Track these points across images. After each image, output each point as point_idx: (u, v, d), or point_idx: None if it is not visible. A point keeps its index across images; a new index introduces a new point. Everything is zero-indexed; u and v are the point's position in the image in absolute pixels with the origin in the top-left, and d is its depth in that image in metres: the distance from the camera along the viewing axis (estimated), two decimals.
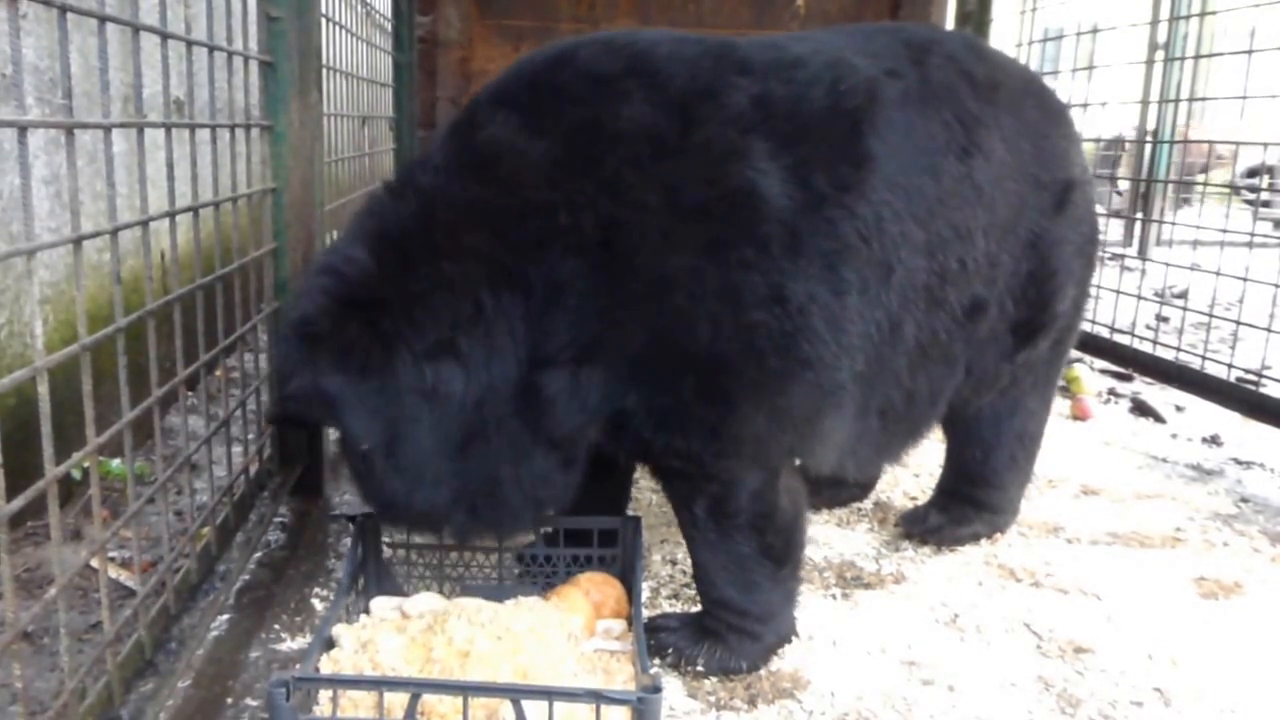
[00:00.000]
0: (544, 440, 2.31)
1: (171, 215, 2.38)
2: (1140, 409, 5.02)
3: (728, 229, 2.26)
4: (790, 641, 2.56)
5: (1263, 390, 4.17)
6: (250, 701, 2.26)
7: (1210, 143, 5.13)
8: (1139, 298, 5.12)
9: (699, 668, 2.44)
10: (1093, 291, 5.10)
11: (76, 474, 3.00)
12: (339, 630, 2.28)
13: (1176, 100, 8.86)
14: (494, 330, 2.24)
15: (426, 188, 2.34)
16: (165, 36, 2.35)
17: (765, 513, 2.45)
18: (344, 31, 4.61)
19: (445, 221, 2.28)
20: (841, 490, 3.48)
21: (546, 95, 2.37)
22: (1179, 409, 5.03)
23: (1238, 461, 4.27)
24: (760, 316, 2.26)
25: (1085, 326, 5.17)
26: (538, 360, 2.25)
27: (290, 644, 2.52)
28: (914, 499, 3.61)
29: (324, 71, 3.47)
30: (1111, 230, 8.76)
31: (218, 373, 3.11)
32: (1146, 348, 4.91)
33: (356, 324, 2.22)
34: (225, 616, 2.59)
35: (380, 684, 1.98)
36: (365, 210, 2.42)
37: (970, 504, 3.23)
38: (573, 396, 2.27)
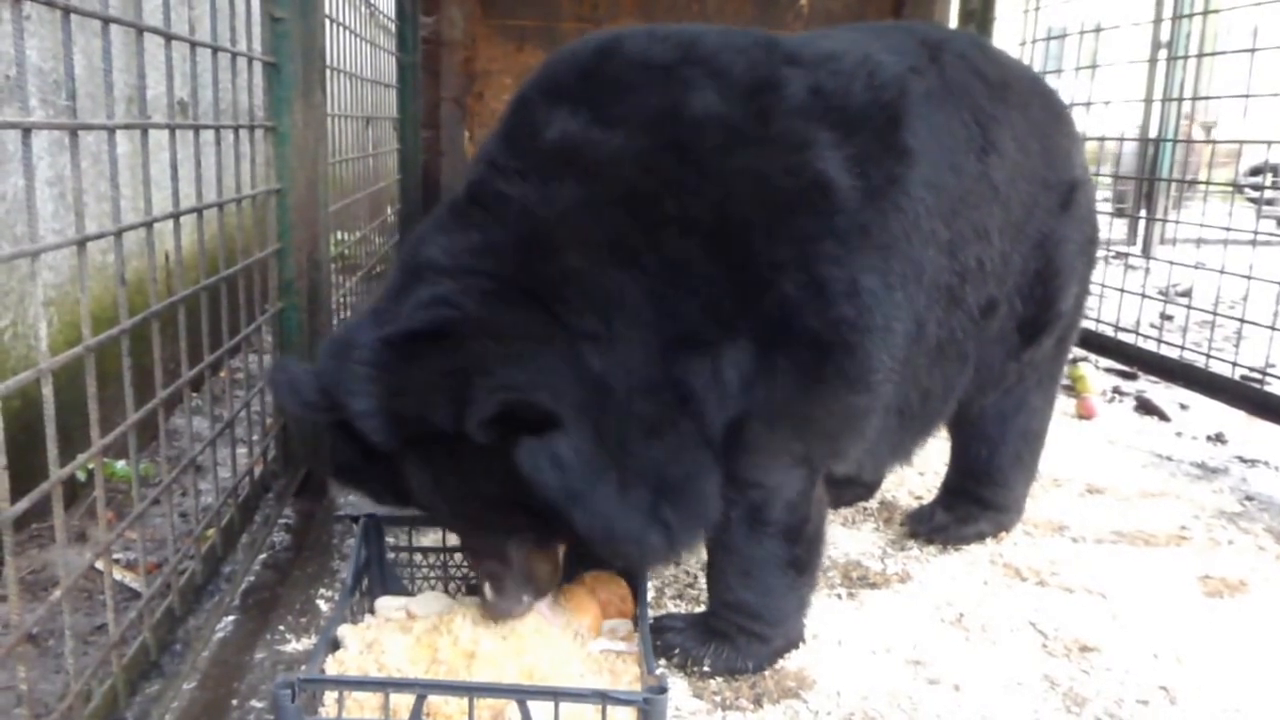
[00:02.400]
0: (703, 436, 2.22)
1: (176, 216, 2.38)
2: (1145, 407, 5.02)
3: (812, 220, 2.25)
4: (798, 647, 2.56)
5: (1267, 388, 4.17)
6: (256, 703, 2.26)
7: (1212, 142, 5.12)
8: (1143, 296, 5.12)
9: (705, 668, 2.44)
10: (1097, 290, 5.13)
11: (81, 476, 3.00)
12: (344, 631, 2.28)
13: (1180, 99, 8.85)
14: (636, 317, 2.14)
15: (514, 194, 2.22)
16: (169, 38, 2.34)
17: (796, 524, 2.45)
18: (348, 32, 4.61)
19: (552, 219, 2.18)
20: (847, 489, 3.48)
21: (605, 86, 2.33)
22: (1184, 407, 5.03)
23: (1242, 459, 4.27)
24: (846, 311, 2.25)
25: (1090, 325, 5.19)
26: (670, 343, 2.16)
27: (295, 645, 2.52)
28: (919, 498, 3.61)
29: (328, 72, 3.47)
30: (1115, 229, 8.76)
31: (222, 374, 3.12)
32: (1151, 346, 4.91)
33: (515, 313, 2.08)
34: (230, 618, 2.59)
35: (386, 685, 1.98)
36: (446, 228, 2.26)
37: (976, 502, 3.23)
38: (720, 396, 2.21)
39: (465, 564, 2.61)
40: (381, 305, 2.20)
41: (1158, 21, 8.67)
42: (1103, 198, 8.69)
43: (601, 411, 2.05)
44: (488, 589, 2.25)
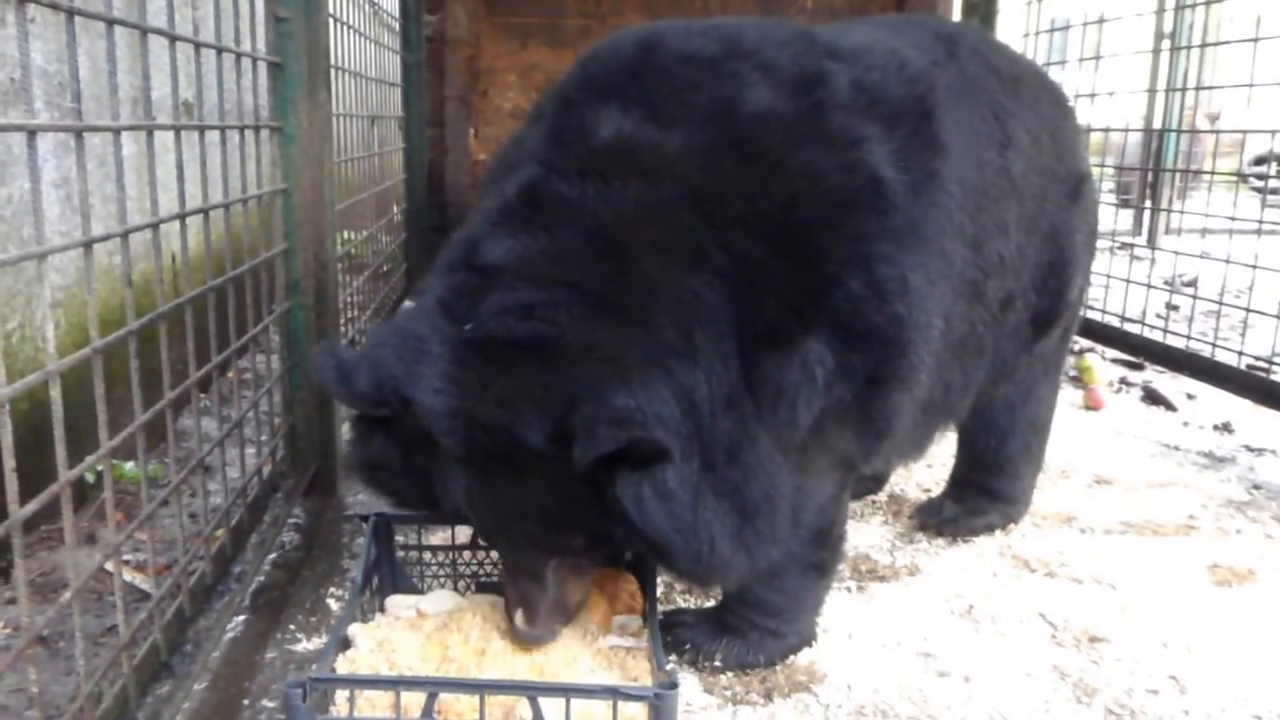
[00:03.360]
0: (782, 445, 2.15)
1: (182, 217, 2.38)
2: (1152, 398, 5.02)
3: (868, 217, 2.22)
4: (810, 645, 2.56)
5: (1273, 377, 4.17)
6: (267, 703, 2.27)
7: (1216, 132, 5.11)
8: (1149, 286, 5.12)
9: (716, 662, 2.44)
10: (1103, 281, 5.13)
11: (90, 477, 3.00)
12: (355, 630, 2.28)
13: (1183, 89, 8.84)
14: (714, 323, 2.05)
15: (575, 197, 2.12)
16: (173, 39, 2.34)
17: (825, 528, 2.45)
18: (352, 31, 4.62)
19: (621, 223, 2.09)
20: (857, 483, 3.47)
21: (654, 82, 2.27)
22: (1190, 397, 5.03)
23: (1249, 448, 4.26)
24: (899, 309, 2.22)
25: (1096, 316, 5.20)
26: (753, 342, 2.09)
27: (306, 644, 2.52)
28: (927, 490, 3.61)
29: (332, 72, 3.47)
30: (1121, 220, 8.75)
31: (230, 374, 3.12)
32: (1157, 336, 4.91)
33: (609, 330, 1.98)
34: (241, 618, 2.59)
35: (397, 684, 1.98)
36: (505, 229, 2.14)
37: (985, 494, 3.23)
38: (810, 393, 2.14)
39: (475, 562, 2.61)
40: (448, 300, 2.08)
41: (1160, 12, 8.67)
42: (1107, 189, 8.68)
43: (695, 433, 1.98)
44: (519, 617, 2.18)
